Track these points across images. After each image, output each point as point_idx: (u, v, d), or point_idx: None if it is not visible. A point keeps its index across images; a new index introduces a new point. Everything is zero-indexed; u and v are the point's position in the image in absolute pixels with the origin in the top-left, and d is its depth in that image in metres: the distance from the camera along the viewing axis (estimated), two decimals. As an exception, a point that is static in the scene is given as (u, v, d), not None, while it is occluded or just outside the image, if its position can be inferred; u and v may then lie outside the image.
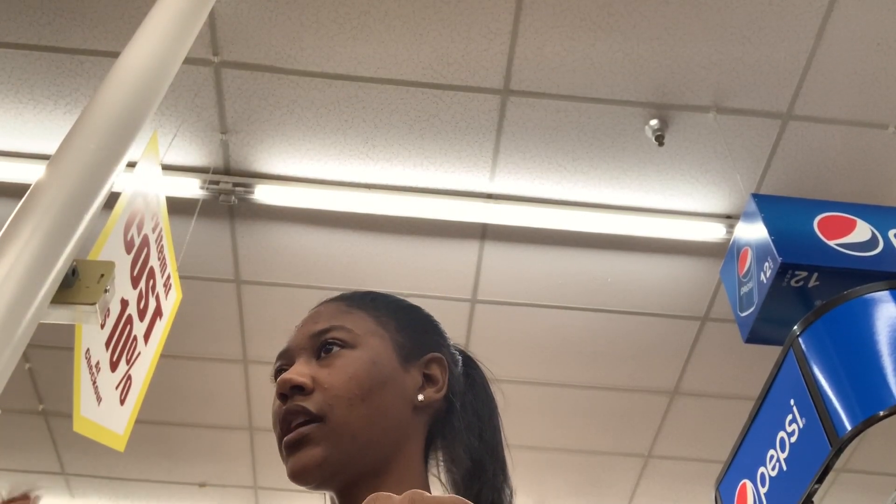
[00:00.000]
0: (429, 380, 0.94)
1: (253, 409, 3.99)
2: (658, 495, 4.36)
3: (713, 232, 3.11)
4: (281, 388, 0.90)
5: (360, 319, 0.95)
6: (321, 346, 0.93)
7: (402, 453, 0.90)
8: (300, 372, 0.91)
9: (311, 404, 0.88)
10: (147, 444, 4.01)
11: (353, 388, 0.89)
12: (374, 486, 0.87)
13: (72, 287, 1.24)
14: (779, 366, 1.75)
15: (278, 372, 0.96)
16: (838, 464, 4.03)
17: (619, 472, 4.26)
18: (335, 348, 0.92)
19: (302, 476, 0.87)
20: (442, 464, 0.95)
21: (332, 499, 0.92)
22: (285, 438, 0.89)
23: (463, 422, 0.95)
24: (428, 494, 0.60)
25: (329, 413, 0.88)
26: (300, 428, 0.88)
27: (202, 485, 4.31)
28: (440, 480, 0.95)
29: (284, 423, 0.89)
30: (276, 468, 4.40)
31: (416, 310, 1.03)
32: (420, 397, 0.92)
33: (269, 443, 4.14)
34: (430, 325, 1.02)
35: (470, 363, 1.03)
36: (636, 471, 4.25)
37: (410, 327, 0.98)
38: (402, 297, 1.04)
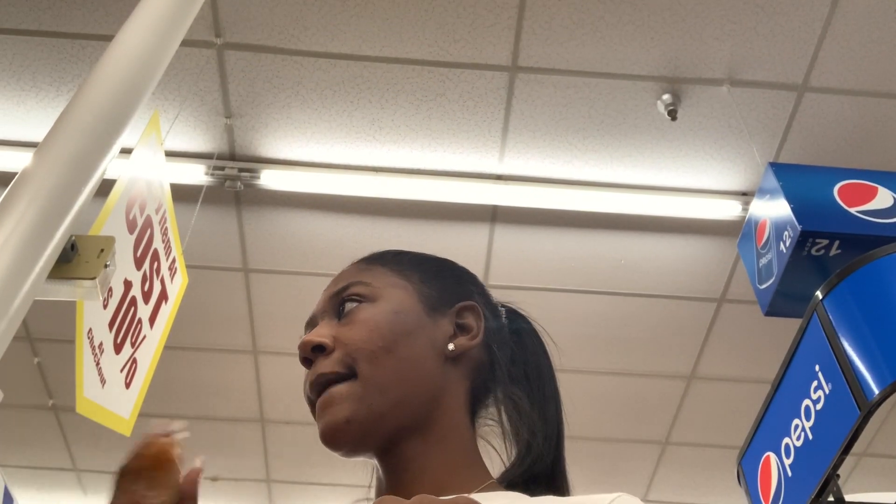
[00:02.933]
0: (462, 329, 0.89)
1: (264, 401, 3.95)
2: (676, 483, 4.30)
3: (729, 209, 3.05)
4: (302, 352, 0.86)
5: (379, 274, 0.90)
6: (340, 304, 0.88)
7: (441, 409, 0.85)
8: (319, 332, 0.86)
9: (334, 364, 0.83)
10: (158, 438, 3.97)
11: (375, 340, 0.84)
12: (415, 446, 0.83)
13: (70, 262, 1.21)
14: (802, 332, 1.68)
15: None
16: (860, 448, 3.97)
17: (636, 460, 4.20)
18: (354, 304, 0.87)
19: (331, 439, 0.82)
20: (492, 423, 0.90)
21: (374, 468, 0.87)
22: (317, 402, 0.84)
23: (508, 375, 0.90)
24: (436, 498, 0.56)
25: (356, 368, 0.83)
26: (331, 388, 0.83)
27: (214, 479, 4.27)
28: (491, 445, 0.89)
29: (314, 391, 0.84)
30: (288, 460, 4.38)
31: (443, 261, 0.97)
32: (451, 346, 0.86)
33: (281, 435, 4.13)
34: (460, 275, 0.96)
35: (520, 320, 0.96)
36: (653, 458, 4.19)
37: (437, 277, 0.93)
38: (430, 253, 0.99)
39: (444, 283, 0.92)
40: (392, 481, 0.84)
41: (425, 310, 0.88)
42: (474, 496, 0.68)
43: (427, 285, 0.90)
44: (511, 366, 0.91)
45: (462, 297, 0.91)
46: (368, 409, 0.81)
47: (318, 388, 0.84)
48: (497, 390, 0.90)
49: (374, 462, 0.86)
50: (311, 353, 0.85)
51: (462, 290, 0.92)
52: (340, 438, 0.82)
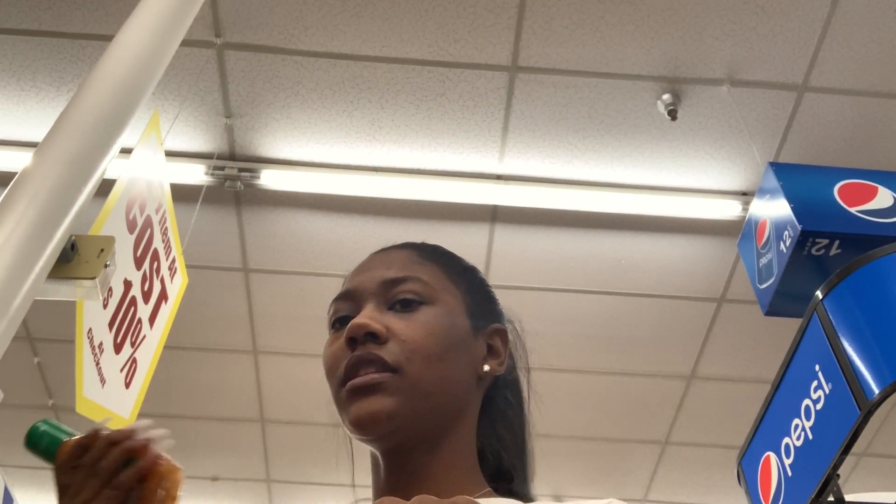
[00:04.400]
0: (490, 351, 0.89)
1: (264, 401, 3.95)
2: (676, 483, 4.30)
3: (729, 209, 3.05)
4: (353, 332, 0.83)
5: (433, 273, 0.89)
6: (395, 296, 0.86)
7: (460, 424, 0.85)
8: (374, 318, 0.84)
9: (386, 354, 0.82)
10: (158, 438, 3.97)
11: (432, 345, 0.83)
12: (428, 454, 0.83)
13: (70, 262, 1.21)
14: (802, 332, 1.69)
15: (338, 314, 0.89)
16: (860, 448, 3.97)
17: (636, 460, 4.20)
18: (412, 303, 0.86)
19: (370, 424, 0.81)
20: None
21: (373, 456, 0.86)
22: (352, 382, 0.82)
23: (506, 405, 0.91)
24: (436, 498, 0.58)
25: (406, 366, 0.82)
26: (373, 374, 0.81)
27: (214, 479, 4.27)
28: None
29: (352, 370, 0.82)
30: (288, 460, 4.37)
31: (480, 274, 0.97)
32: (486, 367, 0.87)
33: (281, 435, 4.12)
34: (492, 294, 0.96)
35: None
36: (653, 458, 4.19)
37: (478, 292, 0.93)
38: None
39: (483, 299, 0.93)
40: (392, 482, 0.83)
41: (470, 324, 0.88)
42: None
43: (471, 297, 0.91)
44: (512, 393, 0.92)
45: (495, 317, 0.92)
46: (410, 409, 0.81)
47: (355, 369, 0.82)
48: (493, 415, 0.90)
49: (376, 453, 0.85)
50: (362, 337, 0.83)
51: (495, 311, 0.93)
52: (379, 428, 0.81)
